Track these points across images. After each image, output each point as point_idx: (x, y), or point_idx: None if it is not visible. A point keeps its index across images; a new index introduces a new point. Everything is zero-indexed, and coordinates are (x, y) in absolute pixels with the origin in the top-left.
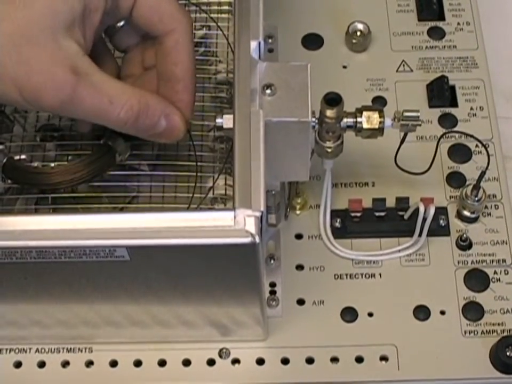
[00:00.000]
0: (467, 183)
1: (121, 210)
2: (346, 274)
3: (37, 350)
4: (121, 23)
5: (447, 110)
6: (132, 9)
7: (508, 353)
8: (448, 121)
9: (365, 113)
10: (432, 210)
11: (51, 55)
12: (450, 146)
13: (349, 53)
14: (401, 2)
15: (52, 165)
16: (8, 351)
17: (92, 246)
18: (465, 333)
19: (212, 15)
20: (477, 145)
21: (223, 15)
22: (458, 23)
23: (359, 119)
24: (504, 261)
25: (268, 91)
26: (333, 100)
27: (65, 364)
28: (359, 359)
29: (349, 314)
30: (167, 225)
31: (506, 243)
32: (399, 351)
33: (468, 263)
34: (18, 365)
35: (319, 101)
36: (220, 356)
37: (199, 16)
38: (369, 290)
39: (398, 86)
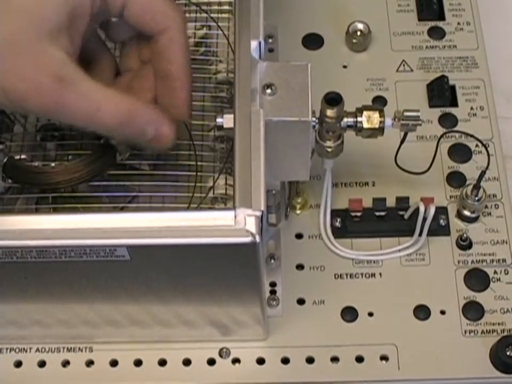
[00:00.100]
0: (467, 182)
1: (122, 209)
2: (347, 274)
3: (37, 350)
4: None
5: (447, 109)
6: (123, 9)
7: (508, 353)
8: (448, 121)
9: (365, 112)
10: (432, 210)
11: (37, 63)
12: (450, 146)
13: (349, 52)
14: (402, 2)
15: (53, 164)
16: (8, 350)
17: (92, 246)
18: (465, 332)
19: (212, 15)
20: (477, 145)
21: (224, 15)
22: (459, 23)
23: (359, 119)
24: (504, 260)
25: (268, 91)
26: (333, 99)
27: (66, 363)
28: (359, 359)
29: (349, 314)
30: (167, 224)
31: (506, 243)
32: (399, 350)
33: (468, 262)
34: (18, 364)
35: (319, 100)
36: (220, 356)
37: (199, 16)
38: (369, 290)
39: (398, 86)
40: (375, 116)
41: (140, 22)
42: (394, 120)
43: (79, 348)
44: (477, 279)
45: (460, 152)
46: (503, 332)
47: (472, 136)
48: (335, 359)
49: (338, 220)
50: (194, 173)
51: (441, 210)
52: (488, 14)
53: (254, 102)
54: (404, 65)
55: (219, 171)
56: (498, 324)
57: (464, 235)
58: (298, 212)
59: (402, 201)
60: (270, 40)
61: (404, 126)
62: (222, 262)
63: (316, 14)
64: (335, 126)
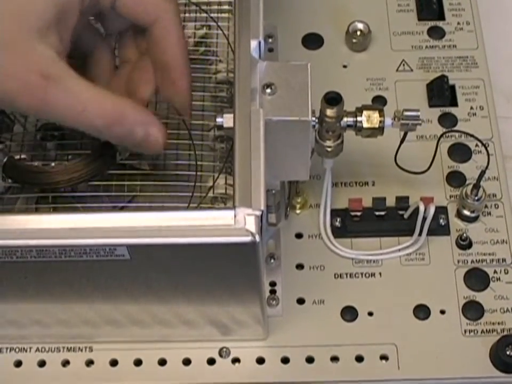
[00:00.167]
0: (467, 182)
1: (122, 209)
2: (347, 274)
3: (37, 349)
4: None
5: (447, 109)
6: (115, 1)
7: (508, 353)
8: (448, 121)
9: (365, 112)
10: (432, 210)
11: (26, 62)
12: (450, 145)
13: (349, 52)
14: (401, 2)
15: (53, 164)
16: (8, 350)
17: (92, 245)
18: (465, 332)
19: (212, 15)
20: (477, 145)
21: (223, 15)
22: (458, 23)
23: (359, 118)
24: (504, 260)
25: (268, 90)
26: (333, 99)
27: (66, 363)
28: (359, 358)
29: (349, 313)
30: (167, 224)
31: (506, 242)
32: (399, 350)
33: (467, 262)
34: (18, 364)
35: (319, 100)
36: (220, 355)
37: (199, 15)
38: (369, 289)
39: (398, 86)
40: (375, 115)
41: (131, 14)
42: (394, 119)
43: (79, 348)
44: (477, 278)
45: (460, 152)
46: (503, 332)
47: (472, 135)
48: (335, 359)
49: (338, 219)
50: (194, 173)
51: (441, 210)
52: (488, 13)
53: (253, 101)
54: (403, 65)
55: (219, 171)
56: (498, 323)
57: (464, 235)
58: (298, 211)
59: (402, 201)
60: (270, 40)
61: (404, 126)
62: (222, 262)
63: (316, 14)
64: (335, 125)
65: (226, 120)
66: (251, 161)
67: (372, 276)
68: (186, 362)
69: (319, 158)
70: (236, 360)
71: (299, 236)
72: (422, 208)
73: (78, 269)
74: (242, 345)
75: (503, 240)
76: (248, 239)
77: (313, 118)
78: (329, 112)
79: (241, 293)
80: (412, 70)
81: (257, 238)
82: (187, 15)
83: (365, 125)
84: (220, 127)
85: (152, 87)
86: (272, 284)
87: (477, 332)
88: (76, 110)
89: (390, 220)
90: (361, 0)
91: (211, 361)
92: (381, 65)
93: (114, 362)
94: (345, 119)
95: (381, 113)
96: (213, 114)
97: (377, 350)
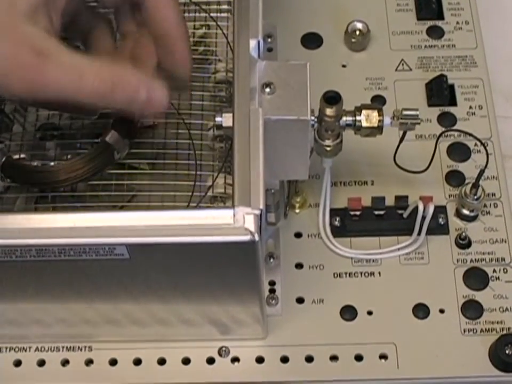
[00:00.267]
0: (466, 181)
1: (121, 208)
2: (346, 273)
3: (37, 349)
4: None
5: (446, 108)
6: None
7: (507, 352)
8: (447, 120)
9: (364, 111)
10: (431, 209)
11: (15, 41)
12: (449, 145)
13: (348, 52)
14: (400, 1)
15: (52, 163)
16: (8, 349)
17: (91, 244)
18: (464, 331)
19: (212, 14)
20: (476, 144)
21: (223, 14)
22: (457, 22)
23: (358, 118)
24: (503, 259)
25: (267, 90)
26: (332, 98)
27: (65, 362)
28: (359, 358)
29: (348, 312)
30: (166, 223)
31: (505, 241)
32: (399, 349)
33: (467, 261)
34: (18, 363)
35: (318, 99)
36: (220, 355)
37: (198, 15)
38: (368, 288)
39: (397, 85)
40: (374, 114)
41: None
42: (393, 119)
43: (79, 347)
44: (476, 278)
45: (459, 151)
46: (502, 331)
47: (471, 135)
48: (334, 358)
49: (338, 218)
50: (194, 172)
51: (440, 209)
52: (487, 13)
53: (253, 101)
54: (402, 64)
55: (218, 170)
56: (497, 322)
57: (463, 234)
58: (297, 210)
59: (401, 200)
60: (269, 40)
61: (403, 125)
62: (221, 261)
63: (315, 14)
64: (334, 125)
65: (225, 119)
66: (250, 161)
67: (371, 275)
68: (186, 361)
69: (318, 157)
70: (235, 360)
71: (298, 235)
72: (421, 207)
73: (77, 268)
74: (241, 345)
75: (502, 239)
76: (247, 238)
77: (312, 117)
78: (328, 111)
79: (241, 292)
80: (411, 70)
81: (257, 237)
82: (187, 14)
83: (364, 124)
84: (219, 127)
85: (154, 59)
86: (272, 283)
87: (476, 331)
88: (74, 79)
89: (389, 219)
90: (360, 0)
91: (210, 361)
92: (380, 64)
93: (113, 362)
94: (344, 118)
95: (380, 113)
96: (212, 113)
97: (376, 349)
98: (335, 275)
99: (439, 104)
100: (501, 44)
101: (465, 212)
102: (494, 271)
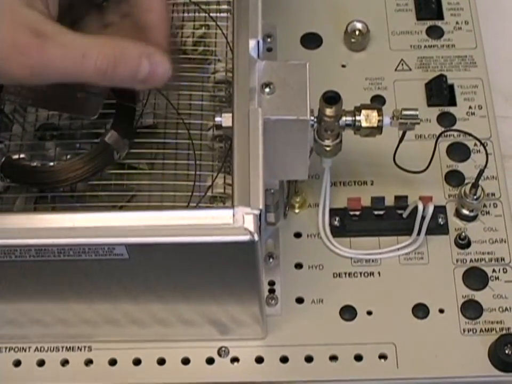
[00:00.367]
0: (466, 181)
1: (120, 208)
2: (345, 273)
3: (36, 349)
4: None
5: (446, 108)
6: None
7: (506, 352)
8: (446, 120)
9: (363, 111)
10: (430, 209)
11: (12, 24)
12: (449, 145)
13: (348, 52)
14: (400, 1)
15: (51, 163)
16: (7, 349)
17: (90, 244)
18: (464, 331)
19: (211, 14)
20: (475, 144)
21: (222, 14)
22: (457, 22)
23: (357, 118)
24: (502, 259)
25: (267, 89)
26: (331, 98)
27: (65, 362)
28: (358, 357)
29: (348, 312)
30: (166, 223)
31: (505, 241)
32: (398, 349)
33: (466, 261)
34: (17, 363)
35: (318, 99)
36: (219, 355)
37: (198, 15)
38: (368, 288)
39: (397, 85)
40: (374, 114)
41: None
42: (393, 119)
43: (78, 347)
44: (476, 277)
45: (459, 151)
46: (502, 331)
47: (470, 135)
48: (333, 358)
49: (337, 218)
50: (193, 172)
51: (439, 209)
52: (486, 13)
53: (252, 101)
54: (402, 64)
55: (218, 170)
56: (497, 322)
57: (463, 234)
58: (297, 210)
59: (401, 200)
60: (269, 39)
61: (402, 125)
62: (221, 261)
63: (315, 14)
64: (334, 124)
65: (225, 119)
66: (250, 161)
67: (370, 275)
68: (185, 361)
69: (317, 157)
70: (234, 360)
71: (298, 235)
72: (420, 207)
73: (77, 268)
74: (241, 345)
75: (502, 239)
76: (246, 238)
77: (312, 117)
78: (328, 111)
79: (240, 292)
80: (410, 70)
81: (256, 237)
82: (186, 14)
83: (364, 124)
84: (219, 127)
85: None
86: (271, 283)
87: (476, 331)
88: (76, 58)
89: (389, 219)
90: (360, 0)
91: (210, 361)
92: (380, 64)
93: (113, 362)
94: (343, 118)
95: (380, 113)
96: (212, 113)
97: (376, 349)
98: (335, 275)
99: (439, 104)
100: (501, 44)
101: (465, 211)
102: (494, 271)
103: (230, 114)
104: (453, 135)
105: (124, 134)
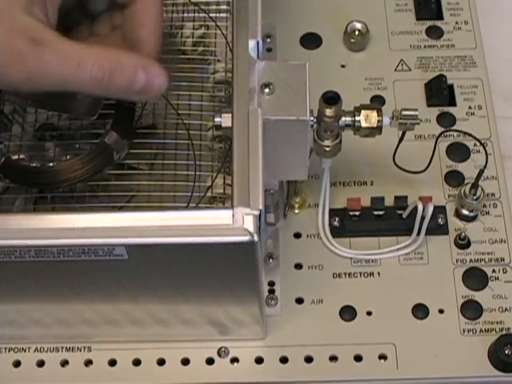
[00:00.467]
0: (465, 181)
1: (120, 209)
2: (345, 273)
3: (36, 349)
4: None
5: (446, 109)
6: None
7: (506, 352)
8: (446, 120)
9: (363, 111)
10: (430, 209)
11: (10, 29)
12: (448, 145)
13: (347, 52)
14: (400, 1)
15: (51, 164)
16: (7, 350)
17: (90, 245)
18: (463, 331)
19: (211, 15)
20: (475, 144)
21: (222, 15)
22: (457, 22)
23: (357, 118)
24: (502, 259)
25: (266, 90)
26: (331, 98)
27: (64, 363)
28: (358, 358)
29: (348, 313)
30: (165, 223)
31: (504, 241)
32: (398, 349)
33: (466, 261)
34: (17, 364)
35: (317, 99)
36: (219, 355)
37: (197, 15)
38: (368, 289)
39: (397, 85)
40: (373, 115)
41: None
42: (392, 119)
43: (78, 348)
44: (475, 278)
45: (458, 151)
46: (502, 331)
47: (470, 135)
48: (333, 358)
49: (337, 219)
50: (193, 172)
51: (439, 209)
52: (485, 13)
53: (252, 101)
54: (402, 64)
55: (217, 170)
56: (497, 322)
57: (463, 234)
58: (296, 211)
59: (401, 200)
60: (268, 40)
61: (402, 125)
62: (221, 261)
63: (314, 14)
64: (333, 125)
65: (224, 119)
66: (249, 161)
67: (370, 275)
68: (185, 362)
69: (317, 157)
70: (234, 360)
71: (298, 235)
72: (420, 207)
73: (76, 269)
74: (241, 345)
75: (502, 240)
76: (246, 238)
77: (312, 118)
78: (328, 111)
79: (240, 292)
80: (410, 70)
81: (256, 238)
82: (186, 14)
83: (363, 124)
84: (218, 127)
85: None
86: (271, 284)
87: (476, 331)
88: (72, 66)
89: (389, 220)
90: (359, 0)
91: (210, 361)
92: (379, 64)
93: (113, 362)
94: (343, 118)
95: (379, 113)
96: (212, 114)
97: (376, 349)
98: (335, 275)
99: (439, 104)
100: (500, 44)
101: (465, 212)
102: (494, 271)
103: (230, 115)
104: (453, 135)
105: (123, 134)
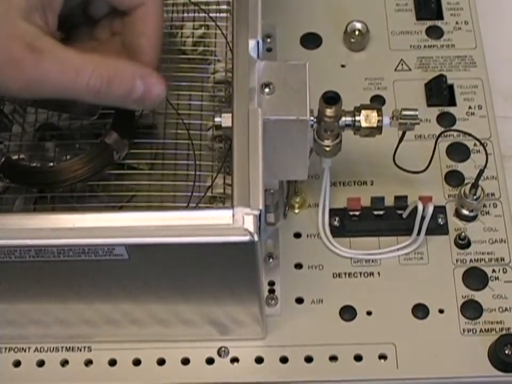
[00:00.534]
0: (465, 181)
1: (120, 209)
2: (345, 273)
3: (36, 349)
4: None
5: (446, 109)
6: None
7: (506, 352)
8: (446, 120)
9: (363, 111)
10: (430, 209)
11: (8, 35)
12: (448, 145)
13: (348, 52)
14: (400, 1)
15: (51, 164)
16: (7, 350)
17: (90, 245)
18: (463, 331)
19: (211, 15)
20: (475, 144)
21: (222, 15)
22: (457, 22)
23: (357, 118)
24: (502, 259)
25: (266, 90)
26: (331, 98)
27: (65, 363)
28: (358, 358)
29: (348, 313)
30: (165, 223)
31: (504, 241)
32: (398, 349)
33: (466, 261)
34: (17, 364)
35: (317, 99)
36: (219, 355)
37: (197, 15)
38: (368, 289)
39: (397, 85)
40: (373, 114)
41: (117, 0)
42: (392, 119)
43: (78, 348)
44: (475, 278)
45: (458, 151)
46: (502, 331)
47: (470, 135)
48: (333, 358)
49: (337, 219)
50: (193, 172)
51: (439, 209)
52: (485, 13)
53: (252, 101)
54: (402, 64)
55: (217, 170)
56: (497, 322)
57: (463, 234)
58: (296, 211)
59: (401, 200)
60: (268, 40)
61: (402, 125)
62: (221, 261)
63: (314, 14)
64: (333, 125)
65: (224, 119)
66: (249, 161)
67: (370, 275)
68: (185, 361)
69: (317, 157)
70: (234, 360)
71: (298, 235)
72: (420, 207)
73: (76, 269)
74: (241, 345)
75: (502, 239)
76: (246, 238)
77: (312, 118)
78: (328, 111)
79: (240, 292)
80: (410, 70)
81: (256, 238)
82: (186, 14)
83: (363, 124)
84: (218, 127)
85: None
86: (271, 284)
87: (476, 331)
88: (70, 74)
89: (389, 219)
90: (359, 0)
91: (210, 361)
92: (379, 64)
93: (113, 362)
94: (343, 118)
95: (379, 113)
96: (212, 114)
97: (376, 349)
98: (335, 275)
99: (439, 104)
100: (500, 44)
101: (465, 212)
102: (494, 271)
103: (230, 115)
104: (453, 135)
105: (123, 134)
